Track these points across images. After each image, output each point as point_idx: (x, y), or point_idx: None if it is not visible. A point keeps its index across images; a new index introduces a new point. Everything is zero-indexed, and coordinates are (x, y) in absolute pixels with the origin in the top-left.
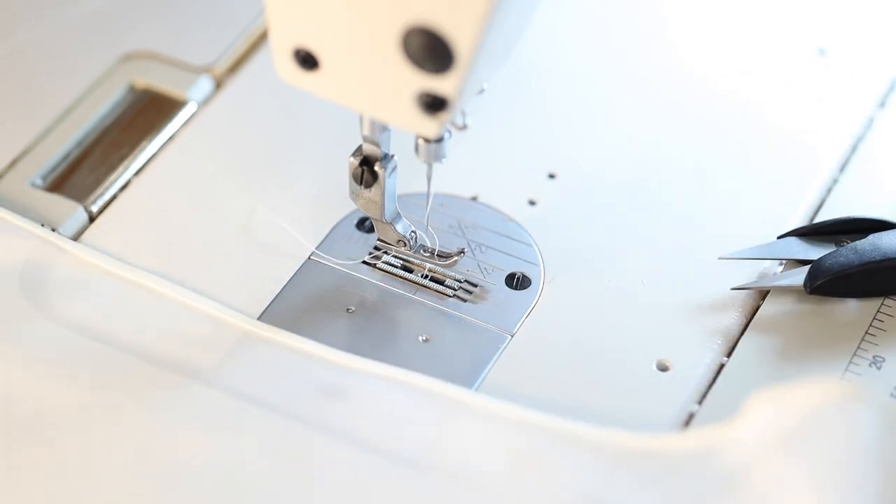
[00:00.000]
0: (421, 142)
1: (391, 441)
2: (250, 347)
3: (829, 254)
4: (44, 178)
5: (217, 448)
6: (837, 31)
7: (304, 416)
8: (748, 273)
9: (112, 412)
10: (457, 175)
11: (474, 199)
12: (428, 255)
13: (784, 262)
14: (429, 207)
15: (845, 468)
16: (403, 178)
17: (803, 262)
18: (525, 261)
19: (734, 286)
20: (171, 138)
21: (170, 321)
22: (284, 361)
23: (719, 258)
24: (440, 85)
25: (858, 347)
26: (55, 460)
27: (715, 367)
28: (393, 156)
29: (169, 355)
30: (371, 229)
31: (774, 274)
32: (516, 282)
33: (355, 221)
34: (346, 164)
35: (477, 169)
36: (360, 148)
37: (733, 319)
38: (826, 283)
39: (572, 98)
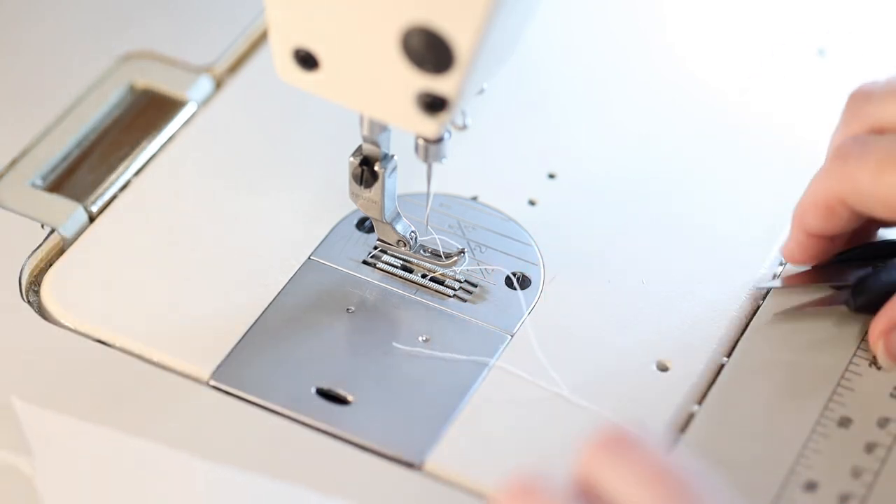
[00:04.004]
0: (421, 142)
1: None
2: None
3: (871, 273)
4: (44, 178)
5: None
6: (837, 31)
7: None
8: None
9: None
10: (457, 175)
11: (474, 199)
12: (428, 255)
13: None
14: (429, 207)
15: None
16: (403, 178)
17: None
18: (525, 261)
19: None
20: (171, 138)
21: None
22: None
23: (757, 287)
24: (440, 85)
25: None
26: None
27: (715, 368)
28: (393, 156)
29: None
30: (371, 229)
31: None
32: (516, 282)
33: (355, 221)
34: (346, 164)
35: (477, 169)
36: (360, 148)
37: (733, 320)
38: (874, 300)
39: (572, 98)
